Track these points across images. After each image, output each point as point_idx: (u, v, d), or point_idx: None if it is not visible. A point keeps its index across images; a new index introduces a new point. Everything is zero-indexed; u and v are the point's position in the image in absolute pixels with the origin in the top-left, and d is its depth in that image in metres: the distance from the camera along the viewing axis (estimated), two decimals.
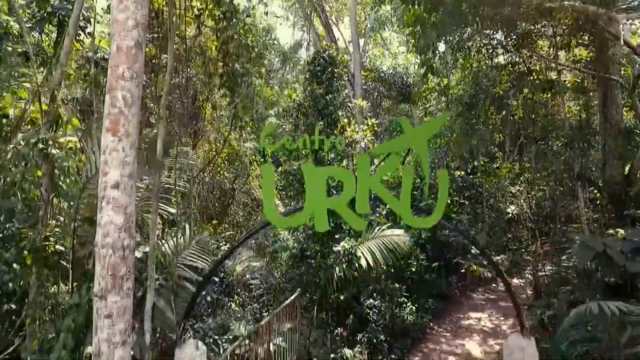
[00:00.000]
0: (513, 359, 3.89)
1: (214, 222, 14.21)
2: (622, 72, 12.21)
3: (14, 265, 5.03)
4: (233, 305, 8.72)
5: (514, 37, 11.31)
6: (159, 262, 4.77)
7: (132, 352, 3.59)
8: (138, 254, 4.51)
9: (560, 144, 11.69)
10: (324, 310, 8.95)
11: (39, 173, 4.66)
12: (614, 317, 4.04)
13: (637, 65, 11.50)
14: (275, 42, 11.97)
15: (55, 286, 4.67)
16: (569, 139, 10.55)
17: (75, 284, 4.30)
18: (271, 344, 5.61)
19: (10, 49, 5.87)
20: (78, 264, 4.44)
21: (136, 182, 3.65)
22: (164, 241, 5.45)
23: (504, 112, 16.39)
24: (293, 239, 9.91)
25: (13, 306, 5.51)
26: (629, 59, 12.54)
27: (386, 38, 26.99)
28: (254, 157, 13.29)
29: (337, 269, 7.48)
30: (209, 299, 7.72)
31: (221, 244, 10.89)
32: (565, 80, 13.02)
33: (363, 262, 7.65)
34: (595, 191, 12.82)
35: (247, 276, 8.88)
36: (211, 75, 11.75)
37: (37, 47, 7.78)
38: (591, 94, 12.74)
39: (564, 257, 8.31)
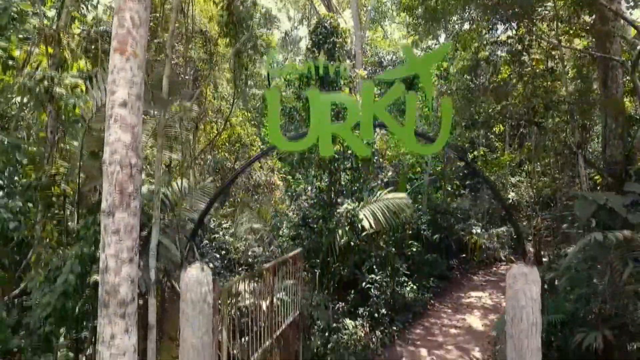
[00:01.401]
0: (516, 286, 3.94)
1: (215, 206, 14.26)
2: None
3: (19, 215, 5.06)
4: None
5: (515, 19, 11.35)
6: (164, 205, 4.81)
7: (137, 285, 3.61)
8: (144, 189, 4.55)
9: (560, 120, 11.73)
10: (326, 289, 8.98)
11: (44, 117, 4.70)
12: (616, 252, 4.08)
13: (639, 47, 11.54)
14: (275, 20, 12.01)
15: (60, 224, 4.71)
16: (569, 113, 10.59)
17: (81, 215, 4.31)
18: (274, 298, 5.63)
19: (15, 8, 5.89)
20: (83, 199, 4.47)
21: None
22: (169, 187, 5.47)
23: (503, 103, 16.43)
24: (295, 215, 9.94)
25: (17, 257, 5.55)
26: (630, 43, 12.59)
27: (387, 30, 27.09)
28: (254, 137, 13.32)
29: (339, 231, 7.51)
30: (211, 266, 7.75)
31: (222, 222, 10.93)
32: (566, 66, 13.06)
33: (365, 224, 7.67)
34: (597, 177, 12.87)
35: (248, 246, 8.90)
36: (212, 54, 11.82)
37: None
38: (592, 76, 12.78)
39: (565, 225, 8.34)
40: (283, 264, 5.66)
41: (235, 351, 4.93)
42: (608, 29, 9.97)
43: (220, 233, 10.10)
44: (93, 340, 4.29)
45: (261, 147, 15.59)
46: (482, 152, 20.99)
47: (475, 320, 10.09)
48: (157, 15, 10.07)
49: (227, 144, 13.77)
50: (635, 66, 10.29)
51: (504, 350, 6.18)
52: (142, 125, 3.64)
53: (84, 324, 3.95)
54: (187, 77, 10.89)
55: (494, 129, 21.50)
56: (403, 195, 8.70)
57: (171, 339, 5.03)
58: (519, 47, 12.03)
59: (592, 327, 5.73)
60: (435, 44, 20.40)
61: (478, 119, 18.11)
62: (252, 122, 16.24)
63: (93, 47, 7.63)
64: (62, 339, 3.77)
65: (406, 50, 3.59)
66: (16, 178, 5.74)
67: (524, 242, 3.72)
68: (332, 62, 7.97)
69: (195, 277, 3.37)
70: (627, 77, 11.21)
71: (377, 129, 12.12)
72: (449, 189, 18.63)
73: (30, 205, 5.34)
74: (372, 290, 9.61)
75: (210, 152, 12.79)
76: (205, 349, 3.36)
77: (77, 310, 3.76)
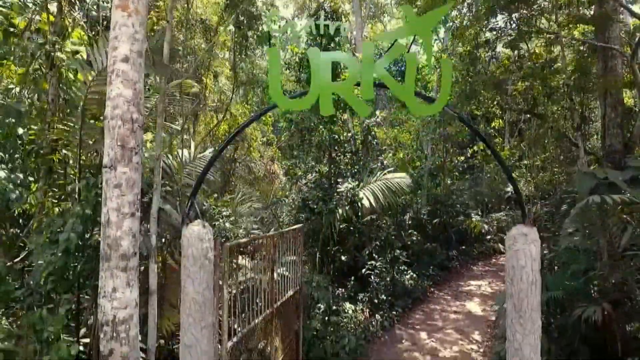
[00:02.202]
0: (515, 246, 3.97)
1: (215, 195, 14.29)
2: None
3: (20, 187, 5.08)
4: None
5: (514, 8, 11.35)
6: (165, 173, 4.82)
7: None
8: (146, 154, 4.56)
9: (559, 107, 11.76)
10: (327, 274, 8.98)
11: (46, 86, 4.72)
12: (614, 217, 4.10)
13: (639, 36, 11.57)
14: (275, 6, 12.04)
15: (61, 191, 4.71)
16: (568, 96, 10.62)
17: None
18: (275, 274, 5.64)
19: None
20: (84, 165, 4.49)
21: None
22: (169, 156, 5.48)
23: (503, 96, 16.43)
24: (294, 202, 9.94)
25: (18, 230, 5.55)
26: (630, 35, 12.62)
27: (386, 26, 27.19)
28: (255, 128, 13.34)
29: (339, 210, 7.51)
30: None
31: (222, 210, 10.94)
32: (566, 56, 13.08)
33: (366, 203, 7.68)
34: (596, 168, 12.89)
35: (248, 232, 8.90)
36: (212, 43, 11.86)
37: None
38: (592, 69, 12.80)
39: (564, 207, 8.35)
40: (284, 237, 5.67)
41: (236, 325, 4.94)
42: (607, 13, 9.98)
43: (220, 220, 10.12)
44: (94, 306, 4.30)
45: (261, 139, 15.65)
46: (481, 147, 21.05)
47: (474, 306, 10.10)
48: (160, 3, 10.12)
49: (227, 134, 13.82)
50: (635, 54, 10.32)
51: (503, 326, 6.20)
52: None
53: (86, 283, 3.96)
54: (187, 64, 10.93)
55: (494, 124, 21.58)
56: (403, 174, 8.71)
57: (172, 305, 5.04)
58: (518, 37, 12.06)
59: (592, 303, 5.75)
60: (435, 39, 20.50)
61: (478, 113, 18.14)
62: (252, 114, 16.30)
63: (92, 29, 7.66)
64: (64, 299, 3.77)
65: (405, 10, 3.61)
66: (17, 156, 5.78)
67: (523, 203, 3.74)
68: (331, 45, 8.02)
69: (197, 233, 3.38)
70: (627, 69, 11.24)
71: (377, 117, 12.20)
72: (449, 182, 18.67)
73: (31, 179, 5.37)
74: (372, 276, 9.63)
75: (210, 141, 12.83)
76: (206, 304, 3.37)
77: (78, 269, 3.77)
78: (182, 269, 3.41)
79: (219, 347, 3.83)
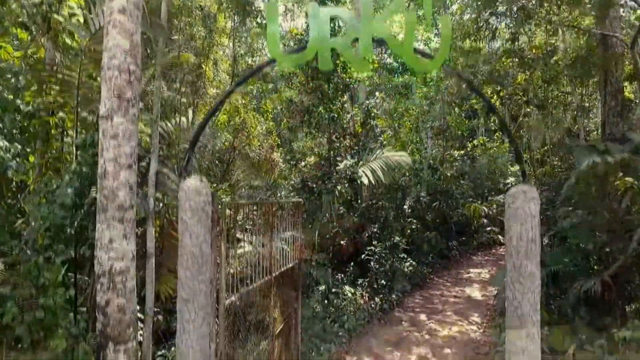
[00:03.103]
0: (515, 204, 3.92)
1: (214, 185, 14.24)
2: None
3: (19, 157, 5.06)
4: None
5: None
6: (162, 138, 4.81)
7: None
8: (140, 125, 4.53)
9: (559, 94, 11.74)
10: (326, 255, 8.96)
11: (42, 53, 4.70)
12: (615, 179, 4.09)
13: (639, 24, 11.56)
14: None
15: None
16: (569, 80, 10.59)
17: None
18: (273, 247, 5.62)
19: None
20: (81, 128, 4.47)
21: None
22: (168, 122, 5.47)
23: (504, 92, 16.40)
24: (296, 182, 9.89)
25: (15, 202, 5.53)
26: (630, 24, 12.60)
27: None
28: (253, 114, 13.30)
29: (338, 187, 7.48)
30: None
31: (222, 197, 10.92)
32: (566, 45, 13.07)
33: (365, 181, 7.67)
34: None
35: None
36: (211, 30, 11.85)
37: None
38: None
39: (564, 190, 8.32)
40: (284, 209, 5.64)
41: (233, 298, 4.91)
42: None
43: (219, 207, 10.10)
44: (91, 271, 4.26)
45: (261, 131, 15.60)
46: (481, 141, 21.07)
47: (474, 291, 10.08)
48: None
49: (226, 124, 13.78)
50: (635, 42, 10.30)
51: (503, 299, 6.18)
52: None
53: (82, 247, 3.92)
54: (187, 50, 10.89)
55: (494, 119, 21.59)
56: (402, 153, 8.68)
57: (170, 271, 5.02)
58: (518, 24, 12.03)
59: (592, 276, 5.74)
60: (435, 33, 20.51)
61: (478, 108, 18.15)
62: (252, 105, 16.28)
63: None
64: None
65: None
66: (15, 131, 5.76)
67: (523, 162, 3.71)
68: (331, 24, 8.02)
69: (194, 187, 3.33)
70: (627, 61, 11.21)
71: (377, 99, 12.16)
72: (449, 175, 18.67)
73: (29, 150, 5.34)
74: (371, 262, 9.61)
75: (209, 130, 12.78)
76: (204, 258, 3.32)
77: (75, 226, 3.75)
78: (180, 223, 3.37)
79: (217, 304, 3.81)
